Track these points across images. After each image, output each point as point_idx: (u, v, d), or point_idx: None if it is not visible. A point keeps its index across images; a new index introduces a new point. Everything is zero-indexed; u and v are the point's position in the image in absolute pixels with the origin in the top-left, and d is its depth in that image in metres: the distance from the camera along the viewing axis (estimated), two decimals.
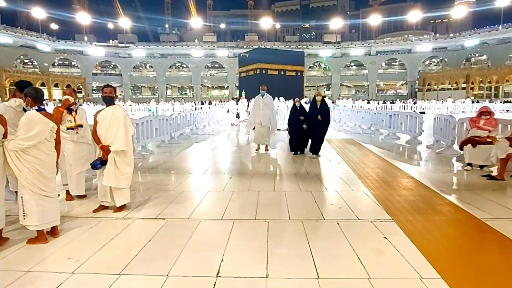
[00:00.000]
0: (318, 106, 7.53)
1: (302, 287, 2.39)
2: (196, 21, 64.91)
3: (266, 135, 8.34)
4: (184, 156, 8.17)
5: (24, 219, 3.13)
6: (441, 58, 56.25)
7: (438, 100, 36.20)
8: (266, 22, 62.71)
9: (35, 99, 3.19)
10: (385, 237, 3.21)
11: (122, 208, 4.08)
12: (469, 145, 6.03)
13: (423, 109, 28.19)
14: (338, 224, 3.59)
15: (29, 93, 3.20)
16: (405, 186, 5.08)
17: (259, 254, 2.90)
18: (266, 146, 8.57)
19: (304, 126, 7.78)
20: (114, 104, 4.09)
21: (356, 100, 38.71)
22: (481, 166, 6.05)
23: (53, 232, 3.33)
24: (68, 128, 4.43)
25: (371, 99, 42.89)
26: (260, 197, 4.61)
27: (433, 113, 17.50)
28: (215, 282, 2.47)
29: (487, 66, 49.69)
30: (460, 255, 2.85)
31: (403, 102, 33.90)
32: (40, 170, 3.13)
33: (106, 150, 3.91)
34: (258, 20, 65.23)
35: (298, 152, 8.06)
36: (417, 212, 3.89)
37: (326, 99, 22.62)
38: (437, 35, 60.27)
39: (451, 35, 56.40)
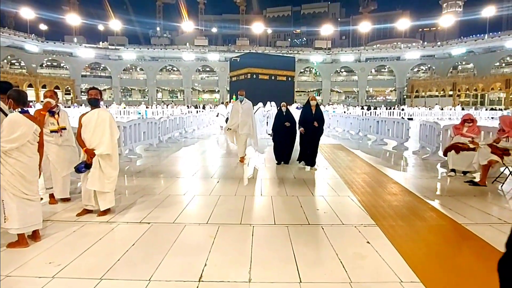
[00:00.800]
0: (313, 112, 6.80)
1: None
2: (187, 25, 64.92)
3: (245, 144, 7.77)
4: (172, 160, 8.13)
5: (4, 222, 3.08)
6: (429, 65, 57.40)
7: (426, 107, 36.89)
8: (258, 27, 63.04)
9: (17, 101, 3.15)
10: (368, 242, 3.25)
11: (106, 212, 4.04)
12: (453, 151, 6.15)
13: (411, 115, 28.62)
14: (322, 228, 3.62)
15: (11, 95, 3.16)
16: (390, 192, 5.15)
17: (243, 259, 2.91)
18: (243, 157, 7.80)
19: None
20: (100, 106, 4.06)
21: (350, 106, 39.01)
22: (464, 172, 6.18)
23: (35, 236, 3.28)
24: (52, 131, 4.38)
25: (365, 105, 42.85)
26: (247, 202, 4.62)
27: (420, 119, 17.79)
28: (197, 287, 2.47)
29: (473, 74, 50.87)
30: (440, 259, 2.91)
31: (392, 109, 34.30)
32: (22, 173, 3.09)
33: (91, 153, 3.88)
34: (249, 25, 65.59)
35: (282, 162, 7.39)
36: (400, 218, 3.95)
37: None
38: (425, 43, 61.52)
39: (438, 43, 57.63)
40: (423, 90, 52.32)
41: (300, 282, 2.54)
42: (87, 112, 4.02)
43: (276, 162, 7.45)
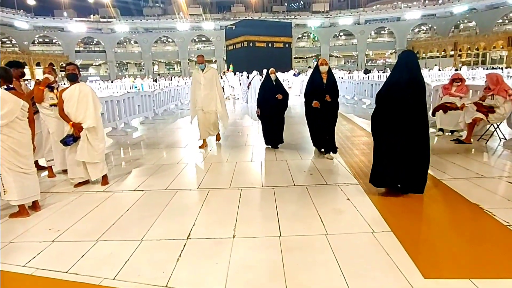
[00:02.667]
0: (325, 81, 4.86)
1: (264, 244, 2.62)
2: None
3: (213, 125, 6.25)
4: (167, 132, 8.27)
5: (4, 194, 3.27)
6: (430, 25, 55.82)
7: (425, 68, 36.27)
8: None
9: (4, 78, 3.24)
10: (348, 199, 3.45)
11: (106, 180, 4.24)
12: (441, 111, 6.25)
13: None
14: (306, 189, 3.81)
15: None
16: None
17: (229, 218, 3.11)
18: (218, 135, 6.63)
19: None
20: (78, 81, 4.12)
21: (352, 70, 38.09)
22: (452, 131, 6.31)
23: (34, 206, 3.49)
24: (51, 105, 4.50)
25: (369, 70, 41.44)
26: (237, 167, 4.81)
27: None
28: (185, 244, 2.68)
29: (475, 33, 49.54)
30: (412, 211, 3.11)
31: (382, 72, 33.56)
32: (15, 148, 3.22)
33: (78, 127, 3.99)
34: None
35: (277, 145, 5.99)
36: None
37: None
38: (426, 1, 59.35)
39: (440, 1, 55.64)
40: (424, 51, 51.25)
41: (280, 235, 2.75)
42: (67, 88, 4.09)
43: (266, 144, 6.06)
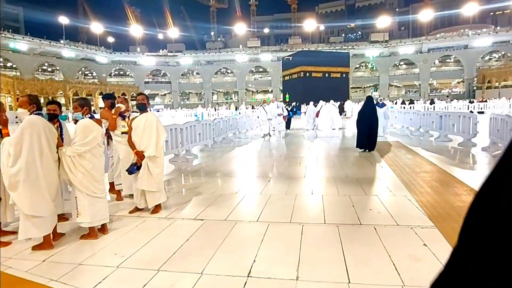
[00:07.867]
0: None
1: None
2: (240, 27, 66.22)
3: None
4: (225, 160, 8.39)
5: (77, 217, 3.46)
6: (503, 52, 51.64)
7: (501, 98, 33.09)
8: (310, 25, 62.05)
9: (82, 106, 3.54)
10: (424, 244, 3.07)
11: (157, 209, 4.30)
12: None
13: (481, 108, 26.02)
14: (375, 229, 3.49)
15: (79, 103, 3.56)
16: (453, 192, 4.77)
17: (291, 257, 2.93)
18: None
19: None
20: (147, 111, 4.34)
21: (414, 101, 35.91)
22: None
23: (103, 229, 3.64)
24: (122, 133, 4.81)
25: (433, 99, 37.90)
26: (297, 201, 4.62)
27: (492, 113, 16.10)
28: (246, 282, 2.54)
29: None
30: None
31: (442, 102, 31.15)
32: (92, 173, 3.45)
33: (140, 155, 4.16)
34: (301, 22, 64.76)
35: None
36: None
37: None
38: (498, 27, 55.31)
39: None
40: (497, 80, 47.14)
41: (349, 282, 2.49)
42: (136, 117, 4.32)
43: None
